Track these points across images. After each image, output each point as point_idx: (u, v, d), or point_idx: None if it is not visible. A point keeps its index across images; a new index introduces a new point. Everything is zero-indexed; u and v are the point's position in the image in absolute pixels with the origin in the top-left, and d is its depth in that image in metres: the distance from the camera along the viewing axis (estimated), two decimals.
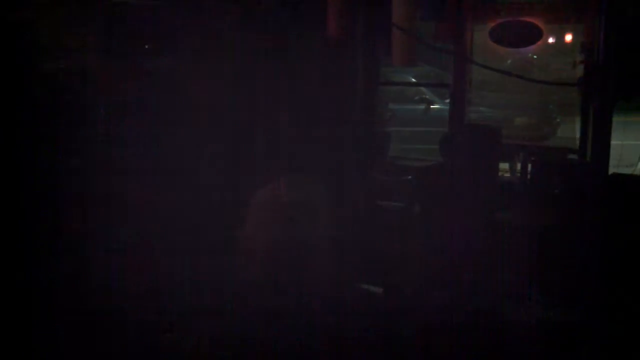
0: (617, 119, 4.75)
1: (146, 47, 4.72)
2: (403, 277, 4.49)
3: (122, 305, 3.87)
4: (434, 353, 3.77)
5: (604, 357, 3.81)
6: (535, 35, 5.27)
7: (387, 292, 4.54)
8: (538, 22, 5.25)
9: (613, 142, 4.74)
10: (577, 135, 5.18)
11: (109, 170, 4.34)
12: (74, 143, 4.31)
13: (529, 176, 5.08)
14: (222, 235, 4.15)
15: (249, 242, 3.95)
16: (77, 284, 3.99)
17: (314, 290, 3.84)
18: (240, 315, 3.81)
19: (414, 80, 10.63)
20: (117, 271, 4.05)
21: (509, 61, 7.48)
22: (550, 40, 5.57)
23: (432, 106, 10.61)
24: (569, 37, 5.61)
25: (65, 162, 4.21)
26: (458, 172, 4.81)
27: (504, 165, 5.64)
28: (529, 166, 5.10)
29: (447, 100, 6.33)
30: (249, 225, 4.00)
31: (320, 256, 3.94)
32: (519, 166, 5.41)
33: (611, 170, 4.76)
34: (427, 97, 10.71)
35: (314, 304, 3.83)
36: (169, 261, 4.15)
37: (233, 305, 3.85)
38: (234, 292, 3.88)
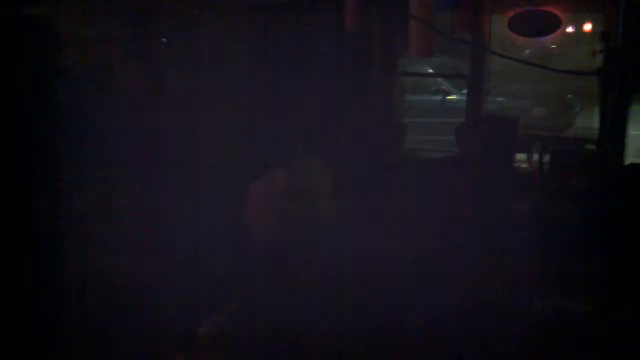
0: (636, 108, 4.71)
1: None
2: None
3: None
4: None
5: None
6: (554, 24, 5.23)
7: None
8: (557, 11, 5.21)
9: (633, 132, 4.70)
10: (596, 125, 5.15)
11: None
12: None
13: (546, 167, 5.05)
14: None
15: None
16: None
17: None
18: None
19: (431, 71, 10.59)
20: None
21: (527, 51, 7.43)
22: (569, 29, 5.54)
23: (449, 97, 10.60)
24: (588, 26, 5.58)
25: None
26: (475, 163, 4.78)
27: (521, 156, 5.61)
28: (547, 156, 5.08)
29: (465, 91, 6.31)
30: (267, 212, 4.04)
31: (336, 247, 3.96)
32: (536, 157, 5.39)
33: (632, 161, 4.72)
34: (445, 87, 10.68)
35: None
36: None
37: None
38: None
